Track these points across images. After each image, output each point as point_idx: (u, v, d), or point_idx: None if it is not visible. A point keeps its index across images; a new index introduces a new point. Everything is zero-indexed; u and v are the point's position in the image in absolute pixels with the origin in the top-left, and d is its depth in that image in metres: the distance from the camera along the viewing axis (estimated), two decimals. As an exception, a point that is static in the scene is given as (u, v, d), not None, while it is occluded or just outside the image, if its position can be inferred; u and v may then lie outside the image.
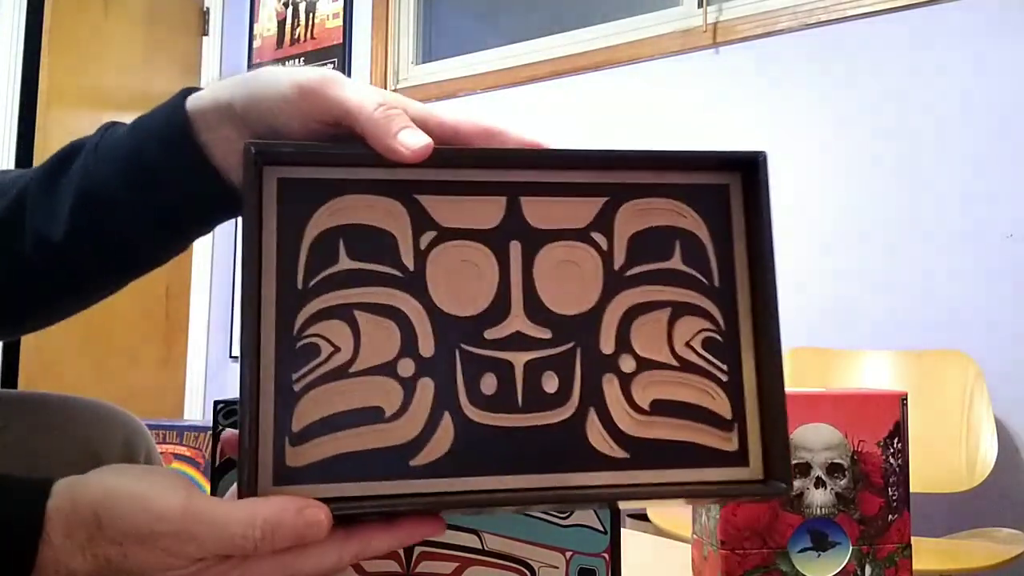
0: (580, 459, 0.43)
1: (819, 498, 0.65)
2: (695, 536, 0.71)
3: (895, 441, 0.66)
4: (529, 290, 0.44)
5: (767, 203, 0.45)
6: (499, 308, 0.44)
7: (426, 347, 0.43)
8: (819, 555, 0.64)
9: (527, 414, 0.43)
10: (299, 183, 0.43)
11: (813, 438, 0.65)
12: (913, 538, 0.66)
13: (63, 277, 0.52)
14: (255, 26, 2.84)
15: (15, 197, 0.50)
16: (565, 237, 0.45)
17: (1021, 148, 1.69)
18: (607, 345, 0.44)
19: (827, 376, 1.72)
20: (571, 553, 0.56)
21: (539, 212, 0.45)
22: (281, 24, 2.78)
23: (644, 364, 0.44)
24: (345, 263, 0.43)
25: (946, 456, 1.54)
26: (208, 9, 2.93)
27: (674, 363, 0.45)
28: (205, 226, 0.52)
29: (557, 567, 0.56)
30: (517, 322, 0.44)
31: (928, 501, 1.49)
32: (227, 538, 0.38)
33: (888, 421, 0.66)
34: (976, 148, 1.73)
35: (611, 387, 0.44)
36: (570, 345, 0.44)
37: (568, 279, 0.45)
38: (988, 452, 1.51)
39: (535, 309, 0.44)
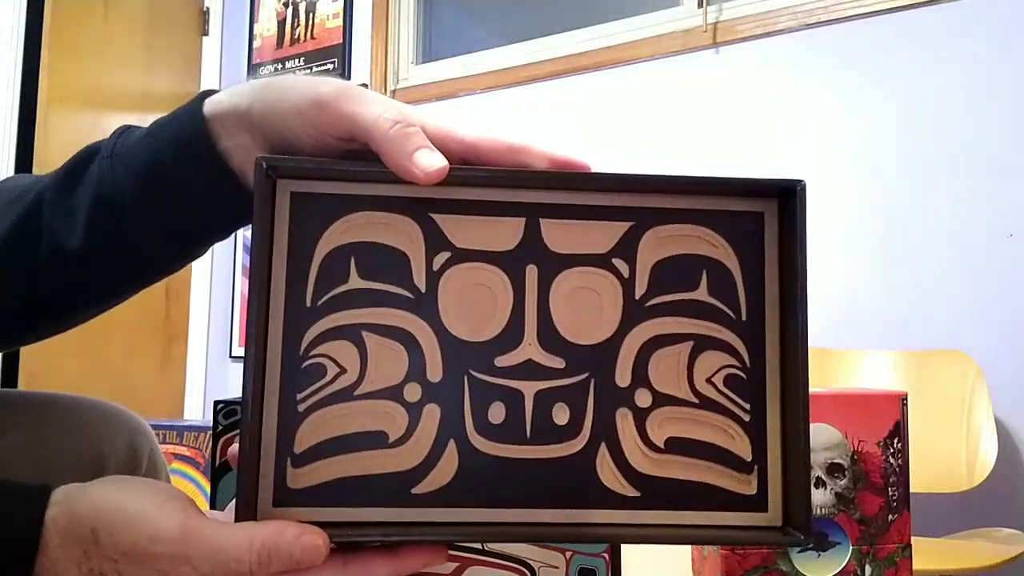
0: (588, 496, 0.42)
1: (819, 498, 0.65)
2: (695, 536, 0.71)
3: (895, 441, 0.66)
4: (544, 317, 0.43)
5: (803, 235, 0.42)
6: (512, 334, 0.42)
7: (434, 372, 0.42)
8: (819, 555, 0.64)
9: (535, 446, 0.42)
10: (312, 198, 0.42)
11: (813, 438, 0.65)
12: (913, 538, 0.66)
13: (79, 284, 0.51)
14: (255, 26, 2.83)
15: (31, 204, 0.50)
16: (585, 263, 0.43)
17: (1022, 148, 1.69)
18: (623, 378, 0.43)
19: (827, 376, 1.72)
20: (571, 553, 0.56)
21: (559, 235, 0.43)
22: (281, 24, 2.78)
23: (661, 399, 0.43)
24: (356, 282, 0.42)
25: (946, 456, 1.54)
26: (208, 9, 2.92)
27: (693, 400, 0.43)
28: (224, 232, 0.51)
29: (557, 567, 0.56)
30: (530, 350, 0.42)
31: (928, 501, 1.49)
32: (222, 562, 0.38)
33: (888, 421, 0.66)
34: (976, 148, 1.73)
35: (625, 422, 0.42)
36: (584, 376, 0.42)
37: (585, 307, 0.43)
38: (988, 452, 1.51)
39: (549, 337, 0.43)
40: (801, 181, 0.43)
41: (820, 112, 1.90)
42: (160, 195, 0.48)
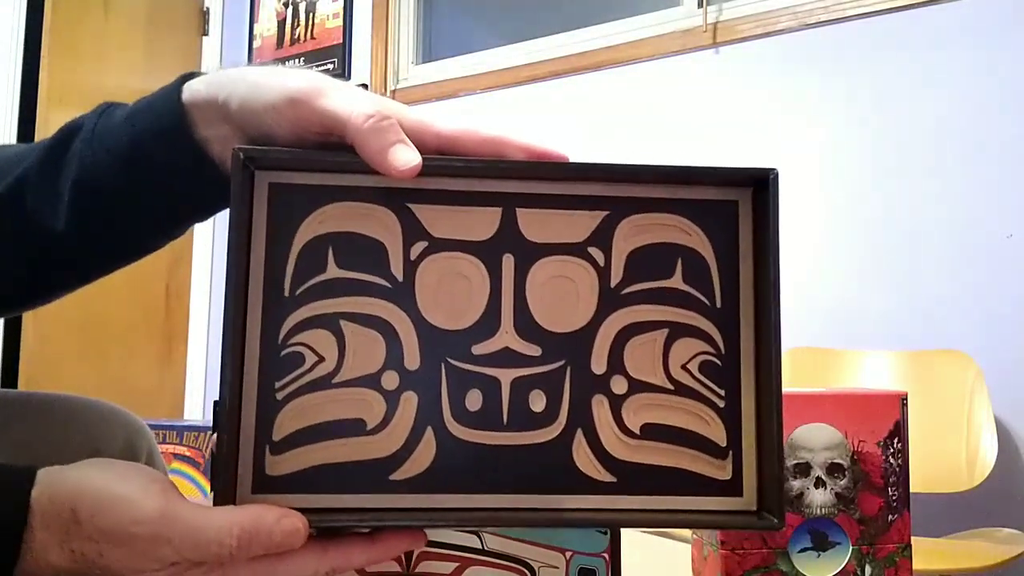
0: (565, 481, 0.42)
1: (819, 498, 0.65)
2: (695, 536, 0.71)
3: (895, 441, 0.66)
4: (520, 305, 0.43)
5: (776, 223, 0.43)
6: (488, 323, 0.43)
7: (412, 360, 0.42)
8: (819, 555, 0.64)
9: (512, 432, 0.42)
10: (290, 188, 0.43)
11: (813, 438, 0.65)
12: (913, 538, 0.66)
13: (61, 262, 0.52)
14: (255, 26, 2.83)
15: (15, 181, 0.50)
16: (561, 251, 0.44)
17: (1021, 148, 1.69)
18: (599, 365, 0.43)
19: (827, 376, 1.72)
20: (571, 553, 0.56)
21: (535, 225, 0.44)
22: (281, 24, 2.78)
23: (636, 386, 0.43)
24: (333, 271, 0.43)
25: (946, 456, 1.53)
26: (208, 9, 2.92)
27: (668, 386, 0.43)
28: (204, 215, 0.52)
29: (557, 567, 0.56)
30: (506, 338, 0.43)
31: (928, 501, 1.49)
32: (203, 544, 0.38)
33: (888, 421, 0.66)
34: (976, 148, 1.73)
35: (601, 409, 0.43)
36: (560, 364, 0.43)
37: (561, 295, 0.43)
38: (988, 452, 1.51)
39: (526, 325, 0.43)
40: (774, 170, 0.43)
41: (820, 112, 1.90)
42: (141, 180, 0.48)
